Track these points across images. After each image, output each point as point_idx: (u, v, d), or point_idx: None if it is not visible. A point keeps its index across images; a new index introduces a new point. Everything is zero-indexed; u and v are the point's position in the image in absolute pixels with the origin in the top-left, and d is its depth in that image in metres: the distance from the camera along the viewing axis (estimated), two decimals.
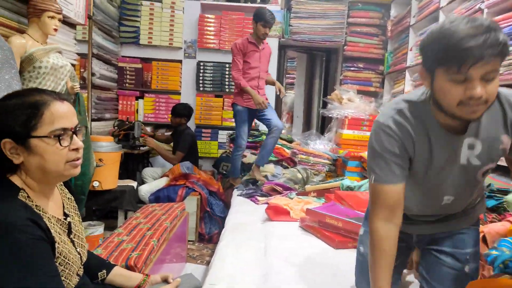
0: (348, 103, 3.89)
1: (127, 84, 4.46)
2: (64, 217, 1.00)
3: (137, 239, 1.92)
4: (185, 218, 2.73)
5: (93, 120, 3.73)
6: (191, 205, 3.25)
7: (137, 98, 4.50)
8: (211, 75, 4.44)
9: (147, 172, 3.95)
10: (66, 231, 0.99)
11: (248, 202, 2.92)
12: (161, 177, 3.76)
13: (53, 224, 0.93)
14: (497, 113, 0.99)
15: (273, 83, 3.51)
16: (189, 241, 3.07)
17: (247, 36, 3.34)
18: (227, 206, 3.46)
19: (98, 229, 2.84)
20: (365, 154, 3.41)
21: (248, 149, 3.96)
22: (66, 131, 0.91)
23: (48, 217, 0.91)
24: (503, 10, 2.25)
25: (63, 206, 1.03)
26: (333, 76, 4.71)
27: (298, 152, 3.71)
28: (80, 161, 0.95)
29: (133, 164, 4.06)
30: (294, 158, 3.64)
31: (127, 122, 4.01)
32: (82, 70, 3.88)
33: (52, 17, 2.26)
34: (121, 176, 3.34)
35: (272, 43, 4.42)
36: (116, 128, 3.90)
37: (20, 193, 0.87)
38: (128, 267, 1.61)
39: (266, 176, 3.31)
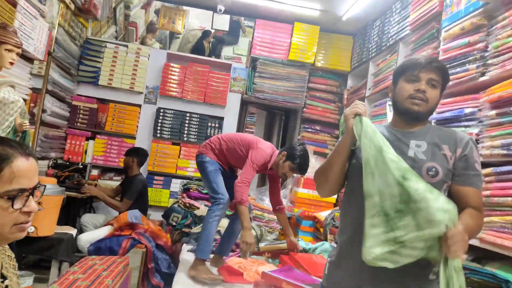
0: None
1: (78, 124, 4.25)
2: (1, 280, 0.86)
3: None
4: (128, 274, 2.51)
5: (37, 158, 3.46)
6: (135, 259, 3.01)
7: (87, 139, 4.28)
8: (170, 122, 4.38)
9: (88, 218, 3.66)
10: None
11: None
12: (105, 225, 3.49)
13: None
14: (449, 137, 1.26)
15: None
16: None
17: (270, 159, 2.55)
18: (174, 261, 3.25)
19: (26, 280, 2.52)
20: (319, 214, 3.44)
21: (201, 200, 3.85)
22: (23, 192, 0.82)
23: None
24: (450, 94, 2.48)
25: (1, 266, 0.89)
26: (291, 135, 4.84)
27: (254, 207, 3.66)
28: (29, 225, 0.84)
29: (74, 209, 3.76)
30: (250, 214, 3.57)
31: (67, 163, 3.77)
32: (32, 105, 3.66)
33: (10, 50, 2.15)
34: (59, 222, 3.05)
35: (234, 98, 4.54)
36: (51, 168, 3.63)
37: None
38: None
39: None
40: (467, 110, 2.13)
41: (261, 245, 2.91)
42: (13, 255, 0.96)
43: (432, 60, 1.26)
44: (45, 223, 2.71)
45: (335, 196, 3.91)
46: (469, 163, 1.22)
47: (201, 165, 2.61)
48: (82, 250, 3.12)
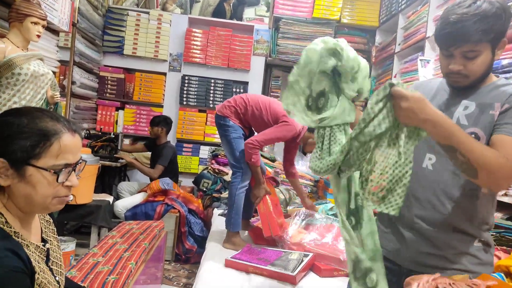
0: None
1: (107, 94, 4.33)
2: (43, 244, 0.91)
3: (114, 261, 1.81)
4: (164, 237, 2.63)
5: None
6: (169, 223, 3.14)
7: (117, 109, 4.37)
8: (196, 89, 4.38)
9: (124, 186, 3.82)
10: (44, 258, 0.90)
11: None
12: (138, 192, 3.63)
13: (32, 252, 0.84)
14: (505, 94, 1.08)
15: None
16: (165, 260, 2.95)
17: (299, 134, 2.43)
18: (206, 224, 3.36)
19: (69, 245, 2.69)
20: None
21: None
22: (67, 167, 0.84)
23: (27, 245, 0.83)
24: None
25: (41, 231, 0.94)
26: None
27: (281, 172, 3.67)
28: (68, 198, 0.88)
29: (109, 178, 3.92)
30: (277, 178, 3.60)
31: (100, 133, 3.88)
32: (61, 77, 3.76)
33: (36, 23, 2.17)
34: (96, 190, 3.20)
35: (258, 62, 4.45)
36: (85, 138, 3.74)
37: None
38: None
39: None
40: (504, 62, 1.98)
41: (290, 208, 2.94)
42: (51, 220, 1.01)
43: (463, 25, 1.01)
44: (83, 191, 2.84)
45: None
46: (508, 113, 1.04)
47: (223, 129, 2.44)
48: (118, 216, 3.27)
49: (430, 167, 1.12)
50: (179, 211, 3.21)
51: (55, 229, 1.02)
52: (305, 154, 4.26)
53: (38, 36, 2.22)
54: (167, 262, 3.09)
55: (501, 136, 1.02)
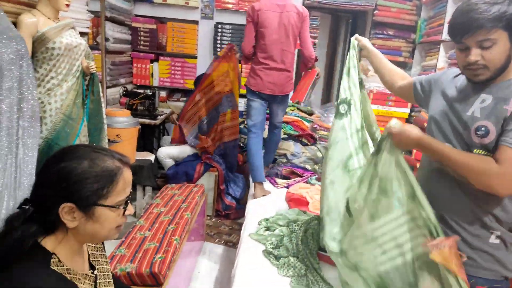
0: (374, 75, 3.67)
1: (141, 46, 4.26)
2: (91, 271, 0.95)
3: (159, 236, 1.91)
4: (205, 200, 2.72)
5: (108, 87, 3.61)
6: (209, 182, 3.23)
7: (151, 61, 4.32)
8: (230, 38, 4.19)
9: (167, 140, 3.89)
10: (93, 283, 0.95)
11: (266, 183, 2.86)
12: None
13: (83, 284, 0.88)
14: None
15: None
16: (206, 215, 3.09)
17: None
18: (246, 177, 3.41)
19: None
20: None
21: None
22: (128, 198, 0.88)
23: (78, 278, 0.87)
24: None
25: (88, 255, 0.98)
26: None
27: (319, 127, 3.58)
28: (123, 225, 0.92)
29: (149, 134, 4.01)
30: (314, 134, 3.52)
31: (137, 91, 3.87)
32: (94, 30, 3.68)
33: None
34: (137, 148, 3.29)
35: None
36: (123, 96, 3.77)
37: (52, 260, 0.81)
38: (153, 274, 1.62)
39: (285, 155, 3.23)
40: None
41: None
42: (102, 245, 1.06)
43: (474, 13, 1.02)
44: (126, 153, 2.92)
45: (407, 111, 3.65)
46: None
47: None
48: (161, 162, 3.39)
49: None
50: (217, 169, 3.27)
51: (101, 246, 1.05)
52: None
53: (67, 5, 2.14)
54: (208, 218, 3.24)
55: (503, 148, 1.03)
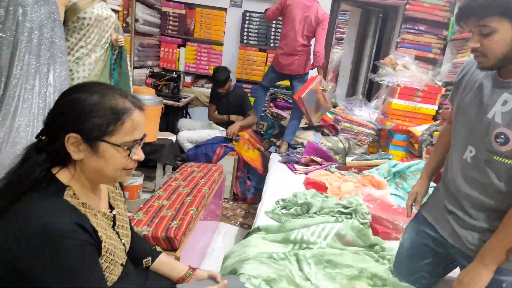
0: (402, 69, 3.60)
1: (169, 31, 4.32)
2: (110, 210, 0.97)
3: (177, 205, 1.93)
4: (223, 180, 2.73)
5: (135, 68, 3.68)
6: (228, 165, 3.24)
7: (179, 46, 4.37)
8: (257, 27, 4.20)
9: (184, 123, 3.92)
10: (111, 223, 0.96)
11: (285, 169, 2.85)
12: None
13: (100, 220, 0.89)
14: None
15: None
16: (224, 198, 3.10)
17: None
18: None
19: (137, 179, 2.90)
20: (414, 129, 3.20)
21: (288, 110, 3.82)
22: (136, 142, 0.88)
23: (94, 213, 0.88)
24: None
25: (108, 197, 1.00)
26: (388, 37, 4.32)
27: (342, 119, 3.54)
28: (133, 170, 0.92)
29: (172, 115, 4.06)
30: (337, 125, 3.48)
31: (163, 72, 3.92)
32: (125, 12, 3.76)
33: None
34: (160, 127, 3.33)
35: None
36: (149, 77, 3.82)
37: (66, 191, 0.83)
38: (168, 238, 1.63)
39: (302, 144, 3.20)
40: None
41: (349, 159, 2.86)
42: (117, 184, 1.07)
43: (471, 2, 1.02)
44: (148, 131, 2.89)
45: (435, 108, 3.55)
46: None
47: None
48: (181, 145, 3.42)
49: (469, 159, 1.14)
50: (237, 153, 3.28)
51: (121, 192, 1.07)
52: (369, 100, 4.03)
53: None
54: (225, 200, 3.25)
55: None
